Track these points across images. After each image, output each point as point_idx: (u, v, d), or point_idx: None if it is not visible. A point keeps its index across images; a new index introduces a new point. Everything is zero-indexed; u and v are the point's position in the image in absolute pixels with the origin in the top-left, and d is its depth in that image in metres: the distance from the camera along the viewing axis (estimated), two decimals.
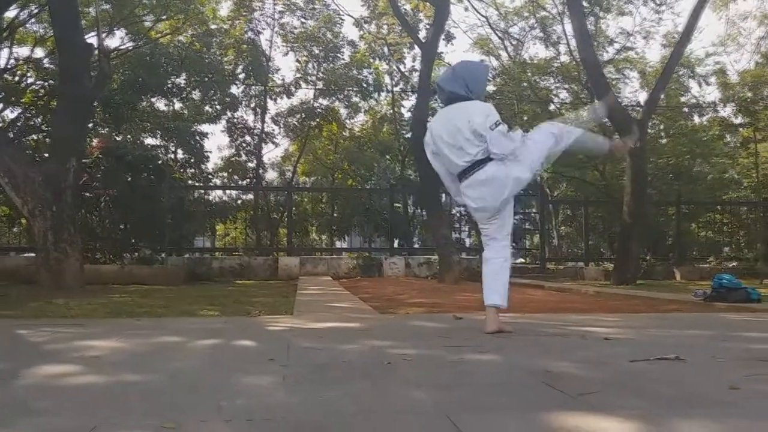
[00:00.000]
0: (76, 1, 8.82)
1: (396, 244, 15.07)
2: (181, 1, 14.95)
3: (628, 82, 20.80)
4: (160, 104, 18.09)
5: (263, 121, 19.23)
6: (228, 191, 17.55)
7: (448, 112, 3.71)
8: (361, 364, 2.69)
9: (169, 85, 16.97)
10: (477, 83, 3.70)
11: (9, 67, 14.78)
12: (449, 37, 16.22)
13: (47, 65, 14.98)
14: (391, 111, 21.29)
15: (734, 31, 19.53)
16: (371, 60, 19.97)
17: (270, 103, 19.47)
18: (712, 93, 30.31)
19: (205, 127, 17.85)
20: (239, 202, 17.31)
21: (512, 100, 18.58)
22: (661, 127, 19.78)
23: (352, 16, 19.98)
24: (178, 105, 18.42)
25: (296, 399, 2.02)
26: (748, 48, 19.91)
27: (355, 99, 20.34)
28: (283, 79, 19.57)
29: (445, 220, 11.38)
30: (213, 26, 18.17)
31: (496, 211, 3.71)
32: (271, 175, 23.70)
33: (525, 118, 19.23)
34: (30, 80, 15.45)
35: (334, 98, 19.86)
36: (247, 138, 19.38)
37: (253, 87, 18.99)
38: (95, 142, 12.10)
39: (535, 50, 39.97)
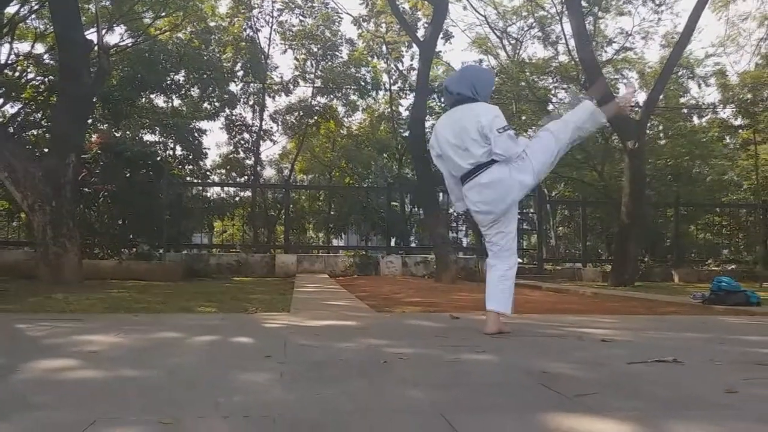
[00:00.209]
0: None
1: (393, 243, 15.07)
2: None
3: (627, 82, 20.79)
4: (159, 101, 18.17)
5: (261, 119, 19.29)
6: (226, 188, 17.57)
7: (454, 113, 3.68)
8: (357, 362, 2.69)
9: (168, 82, 16.99)
10: (484, 87, 3.69)
11: (9, 62, 14.76)
12: (447, 36, 16.16)
13: (47, 61, 14.97)
14: (389, 109, 21.31)
15: (734, 32, 19.52)
16: (369, 58, 19.99)
17: (268, 101, 19.55)
18: (711, 94, 30.29)
19: (203, 124, 17.97)
20: (237, 199, 17.33)
21: (510, 100, 18.59)
22: (660, 128, 19.79)
23: (350, 15, 19.92)
24: (176, 102, 18.48)
25: (293, 396, 2.02)
26: (747, 49, 19.92)
27: (353, 97, 20.35)
28: (281, 77, 19.66)
29: (443, 219, 11.38)
30: (212, 23, 18.20)
31: (497, 215, 3.66)
32: (268, 173, 23.79)
33: (523, 117, 19.25)
34: (30, 76, 15.42)
35: (332, 96, 19.86)
36: (246, 135, 19.45)
37: (252, 84, 19.02)
38: (94, 137, 12.09)
39: (534, 50, 40.09)
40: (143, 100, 16.89)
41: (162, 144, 17.03)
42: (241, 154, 19.69)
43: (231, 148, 19.71)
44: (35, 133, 15.24)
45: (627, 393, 2.17)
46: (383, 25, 19.09)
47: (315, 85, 19.42)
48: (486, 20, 20.57)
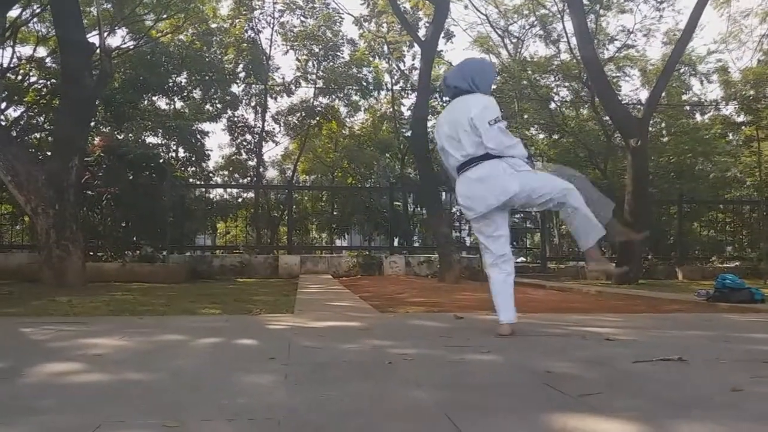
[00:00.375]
0: (78, 1, 8.82)
1: (396, 243, 15.07)
2: (181, 0, 14.96)
3: (629, 79, 20.78)
4: (161, 103, 18.21)
5: (263, 120, 19.31)
6: (229, 189, 17.64)
7: (452, 105, 3.70)
8: (361, 363, 2.69)
9: (170, 84, 17.03)
10: (483, 79, 3.66)
11: (12, 66, 14.81)
12: (449, 36, 16.20)
13: (49, 64, 15.02)
14: (391, 109, 21.30)
15: (736, 28, 19.46)
16: (371, 58, 19.99)
17: (270, 102, 19.57)
18: (714, 91, 30.30)
19: (205, 126, 17.96)
20: (240, 200, 17.38)
21: (512, 99, 18.56)
22: (663, 125, 19.74)
23: (351, 15, 19.91)
24: (179, 104, 18.52)
25: (297, 398, 2.02)
26: (750, 45, 19.84)
27: (355, 97, 20.37)
28: (283, 78, 19.67)
29: (446, 219, 11.37)
30: (213, 25, 18.22)
31: (477, 214, 3.60)
32: (271, 174, 23.83)
33: (525, 116, 19.21)
34: (32, 79, 15.50)
35: (334, 97, 19.89)
36: (248, 136, 19.48)
37: (254, 86, 19.03)
38: (97, 140, 12.13)
39: (535, 48, 40.11)
40: (145, 102, 16.93)
41: (164, 146, 17.05)
42: (244, 156, 19.73)
43: (233, 149, 19.76)
44: (38, 136, 15.30)
45: (632, 392, 2.16)
46: (384, 25, 19.11)
47: (317, 85, 19.45)
48: (487, 19, 20.56)
